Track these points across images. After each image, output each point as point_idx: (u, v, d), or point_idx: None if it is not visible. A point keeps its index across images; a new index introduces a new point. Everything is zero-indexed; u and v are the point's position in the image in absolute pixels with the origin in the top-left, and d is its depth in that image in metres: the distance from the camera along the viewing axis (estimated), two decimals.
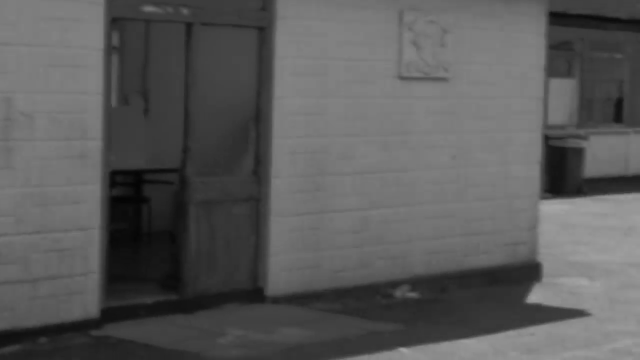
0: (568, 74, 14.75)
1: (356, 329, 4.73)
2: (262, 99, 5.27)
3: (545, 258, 6.49)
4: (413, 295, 5.65)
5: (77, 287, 4.35)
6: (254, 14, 5.20)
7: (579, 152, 12.96)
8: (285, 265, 5.36)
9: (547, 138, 11.12)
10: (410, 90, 6.64)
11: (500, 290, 6.00)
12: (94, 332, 4.33)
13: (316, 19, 5.58)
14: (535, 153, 6.75)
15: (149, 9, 4.63)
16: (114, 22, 4.61)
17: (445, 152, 6.29)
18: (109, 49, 4.48)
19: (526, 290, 6.00)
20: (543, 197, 7.08)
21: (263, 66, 5.24)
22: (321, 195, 7.67)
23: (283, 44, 5.21)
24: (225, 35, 5.38)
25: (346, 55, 6.01)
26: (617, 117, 15.66)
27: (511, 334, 4.66)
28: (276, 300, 5.29)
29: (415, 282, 5.75)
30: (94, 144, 4.39)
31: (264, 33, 5.20)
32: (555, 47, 12.05)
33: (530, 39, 6.61)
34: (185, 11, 4.78)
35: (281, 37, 5.18)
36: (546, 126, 10.35)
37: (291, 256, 5.41)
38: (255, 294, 5.24)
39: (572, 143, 12.89)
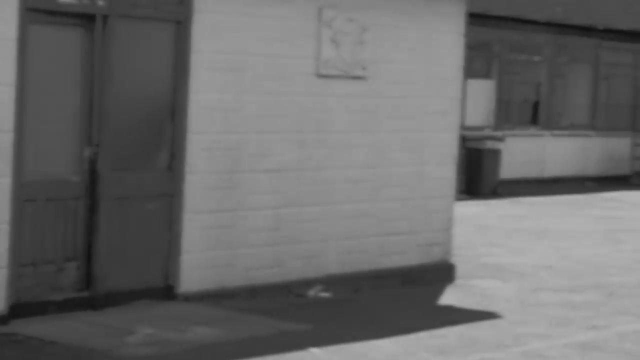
0: (486, 75, 15.54)
1: (268, 328, 4.98)
2: (178, 93, 5.48)
3: (459, 259, 6.83)
4: (326, 295, 5.94)
5: None
6: (171, 7, 5.35)
7: (495, 154, 13.67)
8: (198, 263, 5.62)
9: (463, 139, 11.72)
10: (328, 88, 7.02)
11: (414, 291, 6.25)
12: (0, 329, 4.32)
13: (234, 14, 5.70)
14: (451, 154, 7.14)
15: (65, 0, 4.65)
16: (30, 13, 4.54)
17: (361, 152, 6.54)
18: (24, 40, 4.44)
19: (439, 291, 6.25)
20: (458, 198, 7.54)
21: (179, 60, 5.45)
22: (236, 193, 7.90)
23: (200, 38, 5.38)
24: (142, 29, 5.45)
25: (264, 51, 6.16)
26: (534, 120, 16.60)
27: (423, 335, 4.84)
28: (188, 298, 5.51)
29: (329, 282, 6.07)
30: (5, 137, 4.35)
31: (181, 27, 5.39)
32: (474, 48, 12.72)
33: (449, 39, 6.96)
34: (101, 3, 4.82)
35: (198, 31, 5.35)
36: (463, 127, 11.03)
37: (204, 254, 5.63)
38: (167, 292, 5.47)
39: (488, 144, 13.56)
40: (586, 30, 16.45)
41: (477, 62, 14.76)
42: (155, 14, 5.27)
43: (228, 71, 5.67)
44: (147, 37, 5.39)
